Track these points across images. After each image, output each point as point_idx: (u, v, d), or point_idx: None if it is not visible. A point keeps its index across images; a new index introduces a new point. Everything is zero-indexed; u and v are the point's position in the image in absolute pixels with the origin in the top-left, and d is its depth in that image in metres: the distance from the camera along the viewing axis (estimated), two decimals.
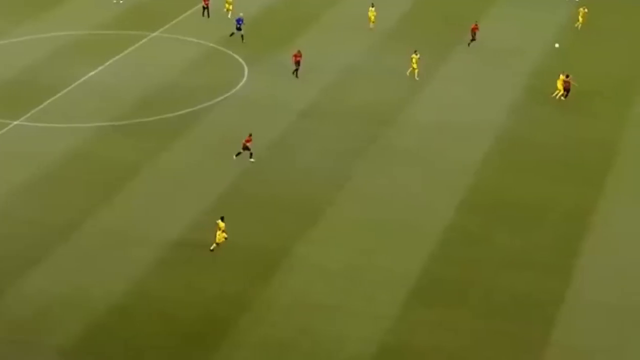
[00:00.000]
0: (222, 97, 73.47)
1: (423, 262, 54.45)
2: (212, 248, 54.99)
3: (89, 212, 58.60)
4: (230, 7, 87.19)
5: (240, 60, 79.65)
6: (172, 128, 68.91)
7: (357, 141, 67.06)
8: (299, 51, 76.49)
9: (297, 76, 75.90)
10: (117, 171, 63.17)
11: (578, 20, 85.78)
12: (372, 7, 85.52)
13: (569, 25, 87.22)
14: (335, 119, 70.61)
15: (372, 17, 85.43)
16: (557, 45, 74.05)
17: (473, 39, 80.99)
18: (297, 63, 76.02)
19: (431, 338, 48.76)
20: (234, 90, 74.71)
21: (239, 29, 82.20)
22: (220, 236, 54.98)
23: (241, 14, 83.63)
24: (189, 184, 62.19)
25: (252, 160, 64.17)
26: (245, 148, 64.21)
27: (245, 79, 76.63)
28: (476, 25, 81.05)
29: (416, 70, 75.59)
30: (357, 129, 68.86)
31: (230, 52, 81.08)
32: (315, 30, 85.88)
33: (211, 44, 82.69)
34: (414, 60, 75.59)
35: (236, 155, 64.13)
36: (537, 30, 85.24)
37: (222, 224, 55.06)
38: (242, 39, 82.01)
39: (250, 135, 64.60)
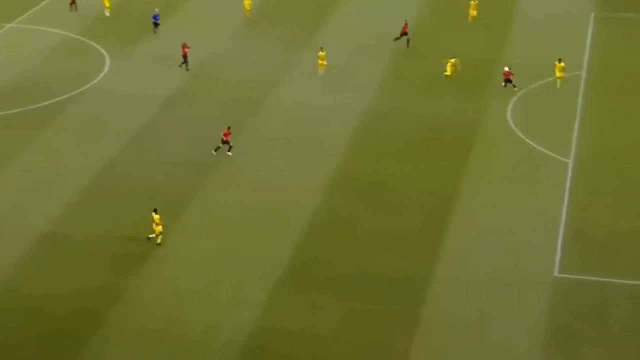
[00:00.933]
0: (83, 88, 72.26)
1: (292, 246, 54.61)
2: (150, 236, 54.46)
3: None
4: (108, 5, 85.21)
5: (102, 50, 78.46)
6: (33, 121, 67.51)
7: (224, 128, 66.80)
8: (185, 43, 75.47)
9: (187, 69, 74.86)
10: None
11: (469, 14, 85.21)
12: None
13: (429, 5, 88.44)
14: (201, 106, 70.18)
15: (247, 6, 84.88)
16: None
17: (401, 38, 79.45)
18: (185, 56, 74.94)
19: (302, 322, 48.92)
20: (95, 81, 73.56)
21: (156, 25, 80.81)
22: (156, 229, 54.27)
23: (157, 10, 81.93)
24: (52, 177, 61.04)
25: (229, 154, 63.34)
26: (225, 142, 63.37)
27: (107, 69, 75.52)
28: (406, 24, 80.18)
29: (323, 67, 74.29)
30: (224, 116, 68.56)
31: (92, 43, 79.80)
32: (178, 18, 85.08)
33: (72, 35, 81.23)
34: (321, 57, 74.29)
35: (215, 151, 63.35)
36: (401, 13, 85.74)
37: (156, 217, 54.30)
38: (154, 32, 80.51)
39: (229, 128, 63.68)
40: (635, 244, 55.12)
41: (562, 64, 72.62)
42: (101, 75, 74.42)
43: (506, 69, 73.28)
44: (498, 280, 52.01)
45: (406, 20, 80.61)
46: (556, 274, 52.58)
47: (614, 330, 48.39)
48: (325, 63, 74.52)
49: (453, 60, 74.56)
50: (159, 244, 54.30)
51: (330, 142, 65.49)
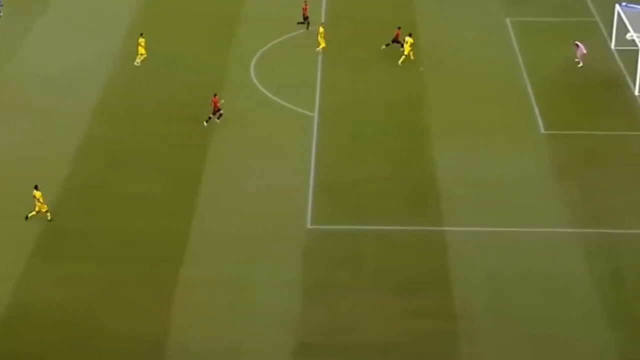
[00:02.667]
0: None
1: (44, 217, 53.47)
2: (30, 214, 52.54)
3: None
4: None
5: None
6: None
7: None
8: None
9: None
10: None
11: None
12: None
13: None
14: None
15: None
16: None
17: (304, 21, 76.03)
18: None
19: (59, 293, 48.08)
20: None
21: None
22: (40, 206, 52.30)
23: None
24: None
25: (218, 121, 62.44)
26: (217, 110, 61.96)
27: None
28: (306, 5, 76.52)
29: (143, 56, 70.25)
30: None
31: None
32: None
33: None
34: (142, 44, 69.93)
35: (206, 122, 62.20)
36: None
37: (38, 194, 52.10)
38: None
39: (216, 95, 62.31)
40: (377, 190, 57.01)
41: (411, 39, 70.00)
42: None
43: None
44: (254, 236, 52.79)
45: (305, 2, 76.84)
46: (309, 226, 53.94)
47: (367, 276, 50.08)
48: (144, 52, 69.96)
49: (321, 30, 72.31)
50: (26, 218, 52.65)
51: (74, 110, 64.25)
